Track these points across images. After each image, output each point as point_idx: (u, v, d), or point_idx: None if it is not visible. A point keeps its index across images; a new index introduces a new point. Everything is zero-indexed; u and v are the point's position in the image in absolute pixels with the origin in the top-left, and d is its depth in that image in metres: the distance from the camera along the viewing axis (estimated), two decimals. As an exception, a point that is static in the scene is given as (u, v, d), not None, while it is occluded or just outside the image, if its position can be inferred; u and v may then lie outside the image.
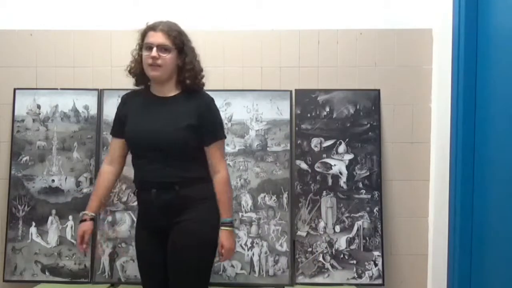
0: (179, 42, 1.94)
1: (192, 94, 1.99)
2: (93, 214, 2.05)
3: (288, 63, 2.67)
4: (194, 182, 1.96)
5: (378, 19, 2.67)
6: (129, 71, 2.04)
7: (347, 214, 2.59)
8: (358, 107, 2.64)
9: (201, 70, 2.02)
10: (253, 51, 2.68)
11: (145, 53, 1.93)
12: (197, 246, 1.93)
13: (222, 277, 2.56)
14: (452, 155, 2.38)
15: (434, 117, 2.62)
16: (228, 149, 2.62)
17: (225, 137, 2.08)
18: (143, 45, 1.95)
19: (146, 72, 1.96)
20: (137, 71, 2.01)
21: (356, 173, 2.61)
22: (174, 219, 1.94)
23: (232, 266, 2.56)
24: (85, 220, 2.03)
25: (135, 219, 2.58)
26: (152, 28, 1.94)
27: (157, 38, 1.91)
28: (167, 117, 1.95)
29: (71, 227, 2.60)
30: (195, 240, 1.93)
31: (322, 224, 2.59)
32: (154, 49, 1.90)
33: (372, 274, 2.56)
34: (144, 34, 1.96)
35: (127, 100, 2.08)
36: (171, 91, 1.99)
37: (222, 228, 1.97)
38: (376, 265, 2.56)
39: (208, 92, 1.95)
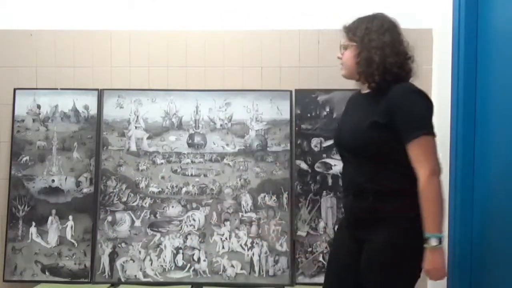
0: (355, 37, 1.85)
1: (383, 88, 1.76)
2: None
3: (288, 63, 2.67)
4: (390, 194, 1.69)
5: (378, 19, 2.66)
6: None
7: (347, 214, 2.59)
8: (358, 107, 2.64)
9: (388, 65, 1.77)
10: (253, 51, 2.68)
11: None
12: (383, 281, 1.74)
13: (222, 277, 2.56)
14: (452, 154, 2.38)
15: (434, 117, 2.61)
16: (228, 149, 2.62)
17: (429, 133, 1.69)
18: None
19: None
20: None
21: (356, 173, 2.61)
22: (367, 234, 1.76)
23: (232, 266, 2.56)
24: None
25: (135, 219, 2.59)
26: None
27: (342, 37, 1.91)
28: (356, 116, 1.84)
29: (71, 227, 2.60)
30: (382, 273, 1.74)
31: (322, 224, 2.59)
32: (340, 48, 1.91)
33: (372, 274, 2.55)
34: None
35: (351, 99, 2.00)
36: (364, 88, 1.86)
37: (425, 245, 1.68)
38: (376, 265, 2.56)
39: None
